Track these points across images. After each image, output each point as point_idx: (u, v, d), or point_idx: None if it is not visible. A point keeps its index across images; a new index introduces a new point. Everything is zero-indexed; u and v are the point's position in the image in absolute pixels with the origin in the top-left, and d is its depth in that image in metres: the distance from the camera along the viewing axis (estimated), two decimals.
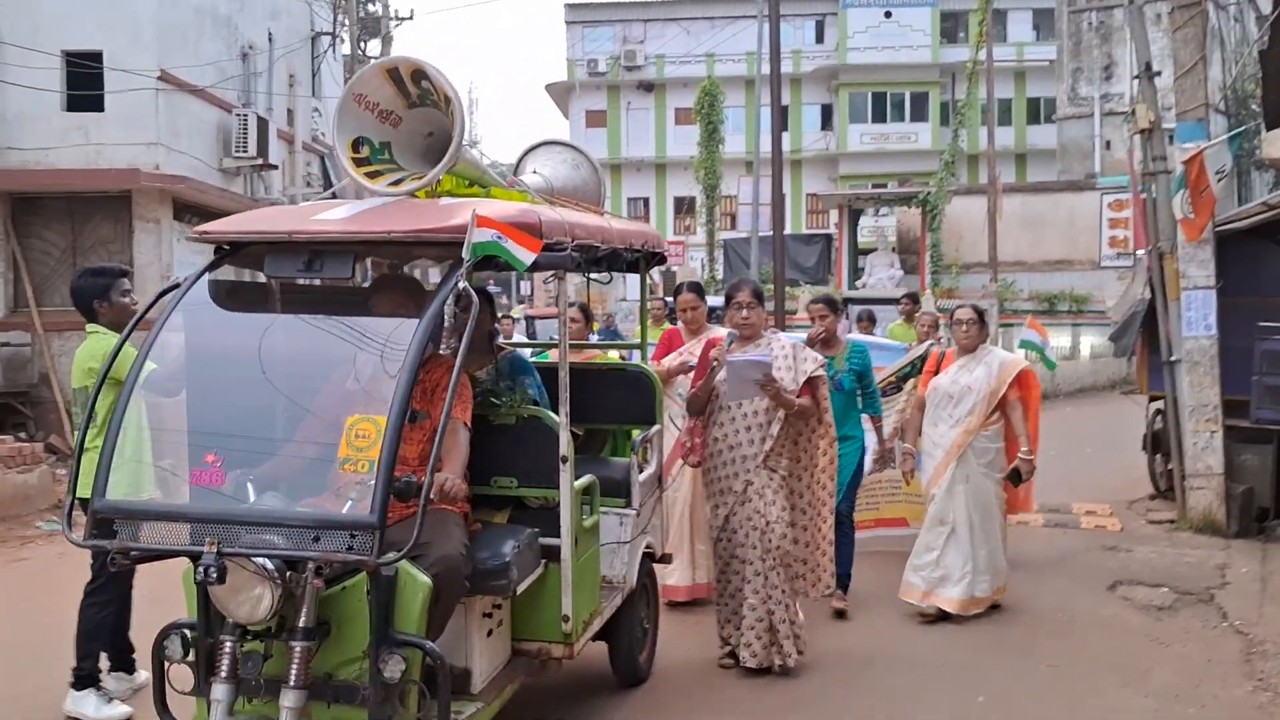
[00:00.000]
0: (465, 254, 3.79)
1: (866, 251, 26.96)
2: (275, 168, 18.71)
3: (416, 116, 4.59)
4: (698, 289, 7.24)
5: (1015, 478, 6.95)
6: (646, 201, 46.69)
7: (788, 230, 30.25)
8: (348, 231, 4.08)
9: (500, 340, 5.59)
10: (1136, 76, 10.26)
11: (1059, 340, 24.17)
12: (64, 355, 14.64)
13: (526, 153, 5.89)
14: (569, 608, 4.67)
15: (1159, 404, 10.64)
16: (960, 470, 6.83)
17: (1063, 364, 23.84)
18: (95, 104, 15.44)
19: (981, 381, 6.83)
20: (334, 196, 21.87)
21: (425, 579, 3.78)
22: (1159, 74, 10.03)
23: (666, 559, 6.29)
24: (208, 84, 16.83)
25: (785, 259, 22.99)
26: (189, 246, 16.60)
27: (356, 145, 4.53)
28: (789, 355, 5.74)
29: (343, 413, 3.88)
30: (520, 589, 4.47)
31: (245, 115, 17.44)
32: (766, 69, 20.79)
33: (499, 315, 5.29)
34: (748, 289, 5.85)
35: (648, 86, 45.40)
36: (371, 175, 4.50)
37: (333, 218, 4.19)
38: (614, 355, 7.93)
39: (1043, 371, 16.78)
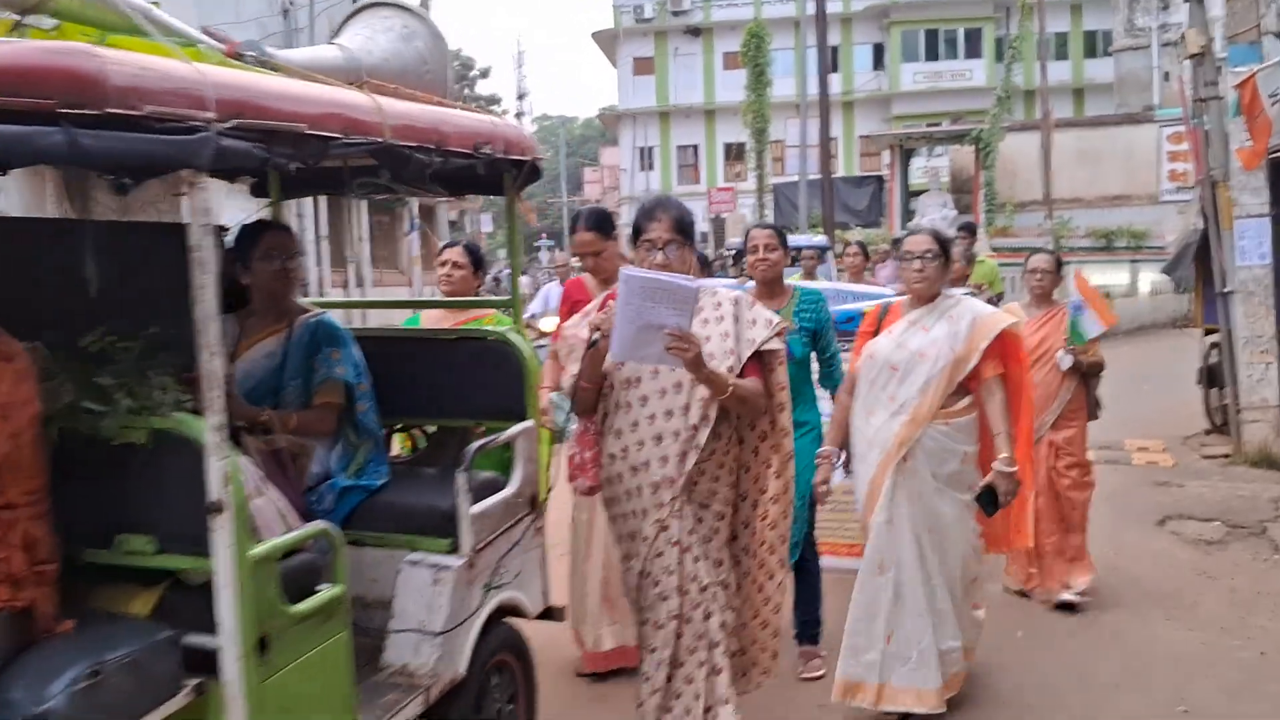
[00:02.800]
0: None
1: (919, 193, 26.64)
2: None
3: None
4: (600, 221, 4.96)
5: (989, 501, 4.39)
6: (696, 149, 46.43)
7: (840, 173, 30.02)
8: None
9: (304, 300, 4.12)
10: (1188, 0, 9.97)
11: (1117, 278, 23.76)
12: None
13: (346, 20, 4.42)
14: None
15: (1214, 337, 10.45)
16: (903, 483, 4.39)
17: (1121, 301, 23.41)
18: None
19: (942, 345, 4.42)
20: None
21: None
22: None
23: (553, 615, 4.23)
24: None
25: (835, 202, 22.82)
26: (236, 203, 16.76)
27: None
28: (726, 316, 3.60)
29: None
30: None
31: None
32: (814, 9, 20.50)
33: (297, 260, 3.96)
34: (665, 217, 3.62)
35: (695, 31, 44.97)
36: None
37: None
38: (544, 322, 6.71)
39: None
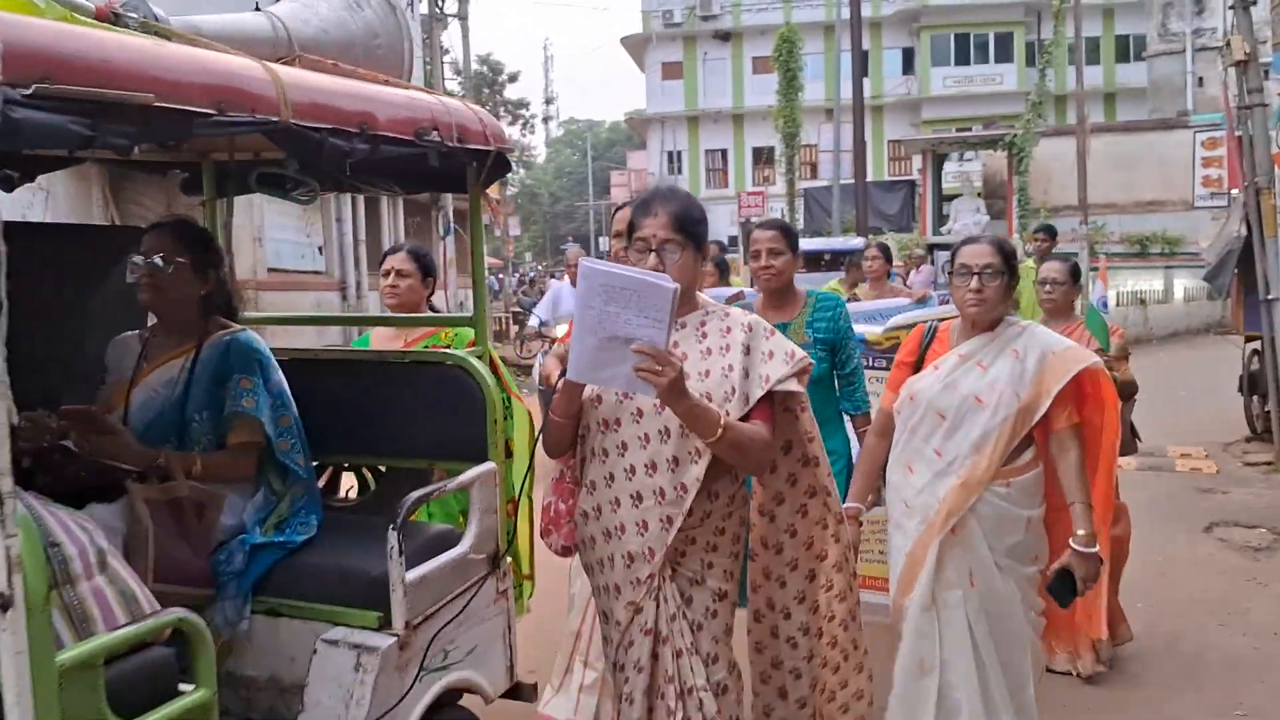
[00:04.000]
0: None
1: (951, 197, 26.60)
2: None
3: None
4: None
5: (1064, 589, 3.45)
6: (725, 153, 46.48)
7: (869, 177, 30.02)
8: None
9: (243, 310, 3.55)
10: (1231, 7, 9.98)
11: (1151, 284, 23.67)
12: None
13: None
14: None
15: (1256, 344, 10.45)
16: (953, 561, 3.48)
17: (1156, 307, 23.40)
18: None
19: (1004, 390, 3.49)
20: None
21: None
22: (1254, 3, 9.76)
23: (522, 693, 3.59)
24: None
25: (868, 206, 22.83)
26: (278, 209, 16.96)
27: None
28: (735, 345, 2.81)
29: None
30: None
31: None
32: (846, 13, 20.56)
33: (224, 266, 3.40)
34: (663, 211, 2.82)
35: (724, 36, 45.06)
36: None
37: None
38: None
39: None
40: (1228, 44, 9.97)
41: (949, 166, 27.84)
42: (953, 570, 3.48)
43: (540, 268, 48.30)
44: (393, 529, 2.89)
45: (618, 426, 2.84)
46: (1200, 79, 30.95)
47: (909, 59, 44.44)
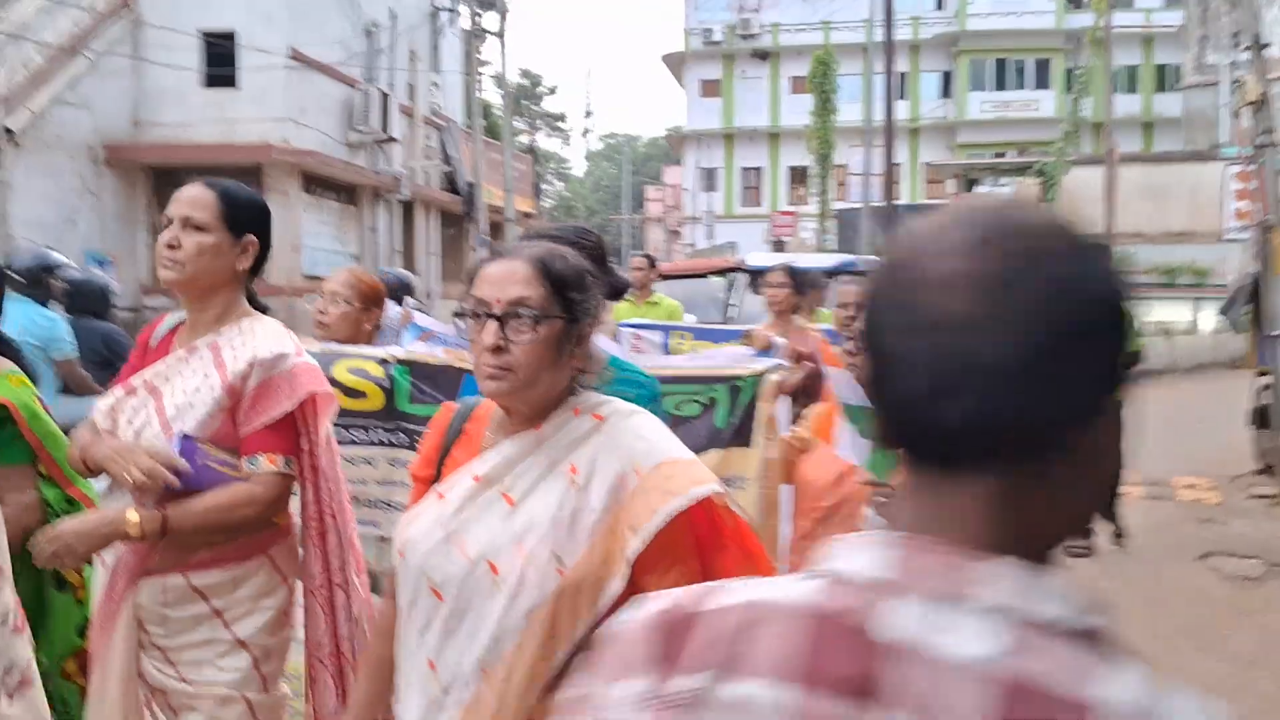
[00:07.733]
0: None
1: None
2: (396, 141, 19.51)
3: None
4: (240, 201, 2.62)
5: None
6: (759, 171, 46.71)
7: (904, 200, 30.19)
8: None
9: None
10: (1248, 48, 10.17)
11: (1178, 315, 23.72)
12: None
13: None
14: None
15: (1267, 379, 10.59)
16: None
17: (1182, 339, 23.43)
18: (230, 81, 16.37)
19: (535, 546, 1.73)
20: (451, 169, 22.43)
21: None
22: (1268, 45, 9.94)
23: None
24: (334, 61, 17.64)
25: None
26: (315, 217, 17.44)
27: None
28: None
29: None
30: None
31: (368, 91, 18.31)
32: (882, 35, 20.81)
33: None
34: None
35: (762, 55, 45.31)
36: None
37: None
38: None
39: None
40: (1240, 83, 10.17)
41: (980, 190, 27.99)
42: None
43: None
44: None
45: None
46: (1236, 112, 30.87)
47: (948, 82, 44.52)
